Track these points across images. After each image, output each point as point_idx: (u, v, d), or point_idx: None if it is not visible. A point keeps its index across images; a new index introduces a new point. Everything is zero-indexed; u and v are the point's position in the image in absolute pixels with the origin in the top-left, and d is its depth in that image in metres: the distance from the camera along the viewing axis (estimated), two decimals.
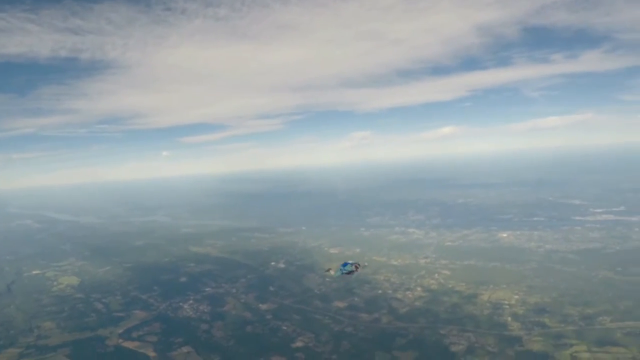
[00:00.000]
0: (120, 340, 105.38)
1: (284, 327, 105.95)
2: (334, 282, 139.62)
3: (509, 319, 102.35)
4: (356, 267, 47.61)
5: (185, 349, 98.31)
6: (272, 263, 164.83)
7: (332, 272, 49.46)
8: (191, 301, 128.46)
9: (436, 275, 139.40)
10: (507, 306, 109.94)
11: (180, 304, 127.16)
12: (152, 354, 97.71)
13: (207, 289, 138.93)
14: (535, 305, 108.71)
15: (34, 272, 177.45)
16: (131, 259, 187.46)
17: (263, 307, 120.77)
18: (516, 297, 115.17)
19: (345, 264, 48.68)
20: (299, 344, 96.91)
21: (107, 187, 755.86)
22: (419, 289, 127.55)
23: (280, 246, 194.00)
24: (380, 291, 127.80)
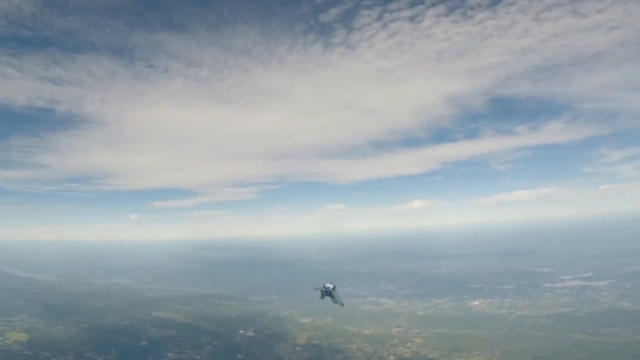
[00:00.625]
0: None
1: None
2: (305, 351, 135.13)
3: None
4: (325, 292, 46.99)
5: None
6: (241, 331, 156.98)
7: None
8: None
9: (409, 343, 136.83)
10: None
11: None
12: None
13: (168, 354, 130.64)
14: None
15: None
16: (88, 320, 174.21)
17: None
18: None
19: (326, 288, 48.94)
20: None
21: (70, 246, 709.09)
22: (392, 357, 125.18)
23: (250, 314, 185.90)
24: None
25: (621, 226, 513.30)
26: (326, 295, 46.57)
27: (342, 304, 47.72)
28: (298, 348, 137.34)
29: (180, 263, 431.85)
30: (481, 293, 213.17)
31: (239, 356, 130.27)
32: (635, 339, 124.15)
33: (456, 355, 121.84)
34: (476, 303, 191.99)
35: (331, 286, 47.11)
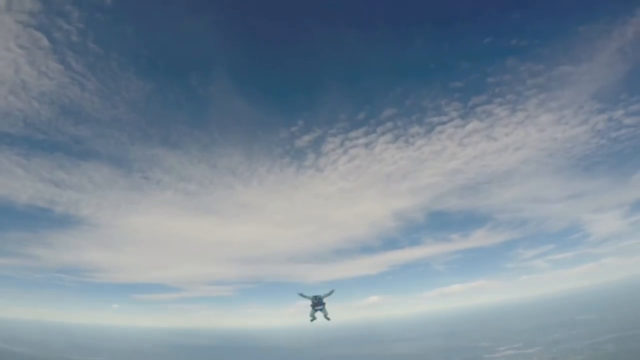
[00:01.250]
0: None
1: None
2: None
3: None
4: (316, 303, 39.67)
5: None
6: None
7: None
8: None
9: None
10: None
11: None
12: None
13: None
14: None
15: None
16: None
17: None
18: None
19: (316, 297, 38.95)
20: None
21: (51, 326, 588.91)
22: None
23: None
24: None
25: (538, 306, 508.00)
26: (317, 307, 39.86)
27: (328, 319, 41.02)
28: None
29: (156, 347, 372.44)
30: None
31: None
32: None
33: None
34: None
35: (322, 294, 39.64)
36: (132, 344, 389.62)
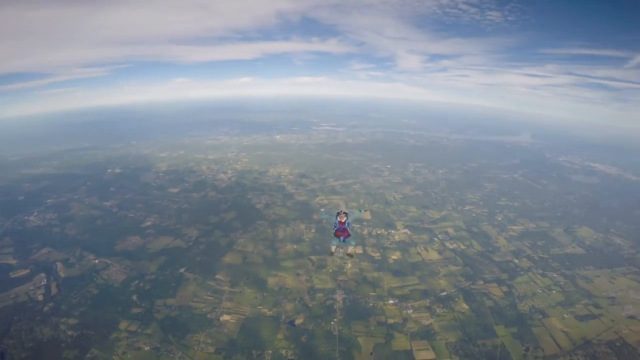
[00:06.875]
0: None
1: (131, 215, 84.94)
2: (166, 175, 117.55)
3: (285, 183, 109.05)
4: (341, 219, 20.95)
5: (45, 250, 68.24)
6: (109, 170, 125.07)
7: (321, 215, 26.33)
8: (36, 213, 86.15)
9: (240, 162, 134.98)
10: (284, 176, 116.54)
11: (25, 217, 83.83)
12: (12, 261, 64.43)
13: (49, 201, 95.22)
14: (298, 174, 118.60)
15: None
16: None
17: (107, 204, 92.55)
18: (287, 170, 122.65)
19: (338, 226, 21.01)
20: (147, 223, 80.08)
21: None
22: (229, 171, 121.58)
23: (114, 157, 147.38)
24: (203, 177, 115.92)
25: (350, 102, 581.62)
26: (339, 234, 21.00)
27: (351, 255, 22.65)
28: (160, 174, 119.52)
29: (37, 130, 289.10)
30: (281, 131, 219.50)
31: (112, 189, 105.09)
32: (355, 159, 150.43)
33: (269, 167, 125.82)
34: (278, 137, 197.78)
35: (344, 217, 20.80)
36: (9, 134, 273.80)
